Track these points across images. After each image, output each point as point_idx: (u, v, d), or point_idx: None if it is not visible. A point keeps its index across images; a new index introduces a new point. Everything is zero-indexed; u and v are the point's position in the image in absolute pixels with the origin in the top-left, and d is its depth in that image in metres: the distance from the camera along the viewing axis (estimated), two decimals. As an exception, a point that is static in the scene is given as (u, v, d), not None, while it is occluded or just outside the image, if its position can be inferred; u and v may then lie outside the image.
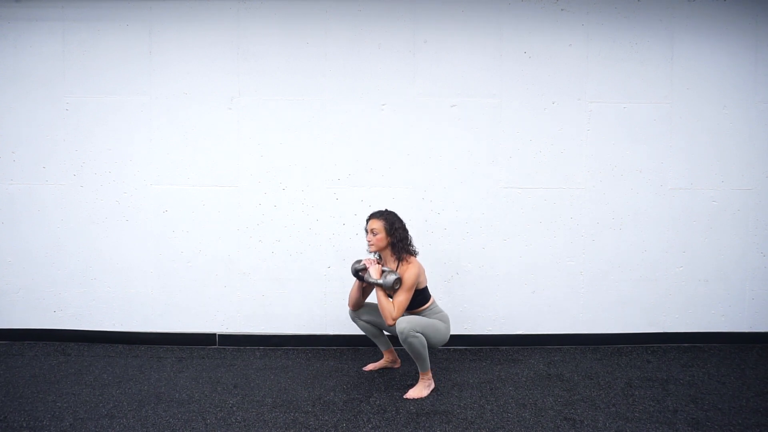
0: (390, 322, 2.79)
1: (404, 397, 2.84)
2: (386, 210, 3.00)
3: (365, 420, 2.60)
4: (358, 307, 3.09)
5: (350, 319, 3.59)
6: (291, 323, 3.64)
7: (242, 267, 3.61)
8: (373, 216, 2.95)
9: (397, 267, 2.90)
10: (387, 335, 3.22)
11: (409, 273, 2.82)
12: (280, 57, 3.53)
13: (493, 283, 3.63)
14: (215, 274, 3.62)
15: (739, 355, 3.50)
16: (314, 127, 3.57)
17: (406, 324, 2.74)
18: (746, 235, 3.65)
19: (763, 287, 3.68)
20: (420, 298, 2.92)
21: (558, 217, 3.61)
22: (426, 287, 2.96)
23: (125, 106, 3.56)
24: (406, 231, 2.95)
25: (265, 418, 2.61)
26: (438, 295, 3.56)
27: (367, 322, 3.12)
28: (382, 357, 3.34)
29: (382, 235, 2.89)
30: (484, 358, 3.44)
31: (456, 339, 3.63)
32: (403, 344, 2.77)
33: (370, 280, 2.86)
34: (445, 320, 2.95)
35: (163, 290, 3.63)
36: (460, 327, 3.64)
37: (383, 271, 2.85)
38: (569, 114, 3.58)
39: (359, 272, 2.96)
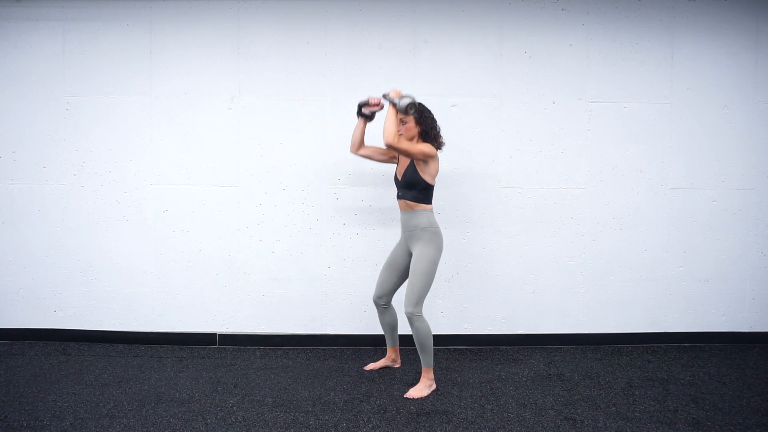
0: (388, 140, 2.77)
1: (404, 396, 2.84)
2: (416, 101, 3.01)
3: (365, 420, 2.60)
4: (357, 148, 3.11)
5: (353, 318, 3.59)
6: (291, 323, 3.64)
7: (242, 267, 3.61)
8: None
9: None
10: (399, 334, 3.22)
11: (426, 145, 2.85)
12: (280, 57, 3.53)
13: (493, 283, 3.63)
14: (215, 274, 3.62)
15: (739, 355, 3.50)
16: (314, 127, 3.57)
17: (410, 307, 2.81)
18: (746, 235, 3.65)
19: (763, 287, 3.68)
20: (423, 194, 2.93)
21: (558, 217, 3.61)
22: (432, 187, 2.96)
23: (125, 106, 3.56)
24: (434, 120, 2.97)
25: (266, 417, 2.61)
26: (438, 295, 3.56)
27: (390, 296, 3.11)
28: (381, 357, 3.34)
29: (411, 123, 2.91)
30: (484, 358, 3.44)
31: (456, 339, 3.63)
32: (410, 327, 2.84)
33: (388, 97, 2.86)
34: (435, 235, 2.92)
35: (163, 290, 3.63)
36: (460, 327, 3.64)
37: (402, 95, 2.84)
38: (569, 114, 3.58)
39: (362, 107, 2.98)
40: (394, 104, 2.84)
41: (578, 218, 3.62)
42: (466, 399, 2.84)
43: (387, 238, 3.56)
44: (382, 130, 2.93)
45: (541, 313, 3.65)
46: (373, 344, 3.58)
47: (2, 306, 3.65)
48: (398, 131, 2.90)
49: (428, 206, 2.96)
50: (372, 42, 3.53)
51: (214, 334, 3.65)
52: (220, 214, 3.60)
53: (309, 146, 3.57)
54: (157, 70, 3.54)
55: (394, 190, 3.57)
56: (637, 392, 2.93)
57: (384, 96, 2.94)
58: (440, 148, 2.98)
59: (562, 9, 3.54)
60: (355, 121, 3.11)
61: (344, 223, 3.59)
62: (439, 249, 2.94)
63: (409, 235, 2.98)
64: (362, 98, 3.06)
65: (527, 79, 3.56)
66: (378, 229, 3.59)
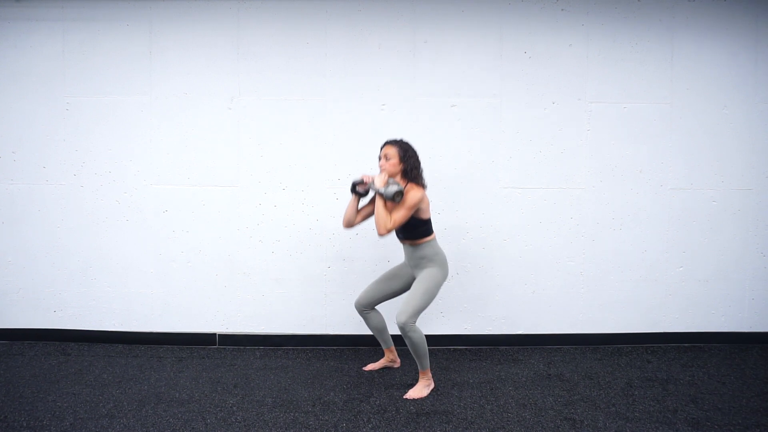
0: (382, 231, 2.78)
1: (404, 397, 2.84)
2: (401, 138, 3.00)
3: (365, 420, 2.60)
4: (350, 225, 3.05)
5: (352, 318, 3.59)
6: (291, 323, 3.64)
7: (242, 267, 3.61)
8: (388, 143, 2.95)
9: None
10: (390, 334, 3.22)
11: (413, 193, 2.82)
12: (280, 57, 3.53)
13: (493, 283, 3.63)
14: (215, 274, 3.62)
15: (739, 355, 3.50)
16: (314, 127, 3.57)
17: (404, 318, 2.76)
18: (746, 235, 3.65)
19: (763, 287, 3.68)
20: (423, 229, 2.91)
21: (558, 217, 3.61)
22: (429, 219, 2.94)
23: (125, 106, 3.56)
24: (418, 160, 2.95)
25: (265, 418, 2.61)
26: (438, 295, 3.55)
27: (374, 321, 3.11)
28: (381, 357, 3.35)
29: (395, 160, 2.90)
30: (484, 358, 3.44)
31: (456, 339, 3.63)
32: (403, 338, 2.79)
33: (374, 187, 2.83)
34: (441, 263, 2.94)
35: (163, 290, 3.63)
36: (460, 327, 3.64)
37: (388, 182, 2.83)
38: (569, 114, 3.58)
39: (356, 186, 2.95)
40: (380, 194, 2.82)
41: (578, 218, 3.62)
42: (465, 399, 2.84)
43: (387, 239, 3.55)
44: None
45: (541, 313, 3.65)
46: (372, 344, 3.58)
47: (2, 306, 3.65)
48: (380, 166, 2.90)
49: (431, 236, 2.95)
50: (372, 42, 3.53)
51: (214, 334, 3.65)
52: (220, 214, 3.60)
53: (309, 146, 3.57)
54: (157, 70, 3.54)
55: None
56: (636, 392, 2.93)
57: (368, 186, 2.88)
58: (425, 187, 2.93)
59: (562, 9, 3.54)
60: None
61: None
62: (444, 274, 2.95)
63: (415, 264, 2.98)
64: (355, 177, 2.97)
65: (527, 79, 3.56)
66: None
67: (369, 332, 3.47)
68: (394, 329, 3.30)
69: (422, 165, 2.99)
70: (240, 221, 3.60)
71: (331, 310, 3.63)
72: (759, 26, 3.57)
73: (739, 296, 3.68)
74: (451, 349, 3.60)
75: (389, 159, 2.90)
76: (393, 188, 2.77)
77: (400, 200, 2.80)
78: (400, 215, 2.80)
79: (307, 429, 2.51)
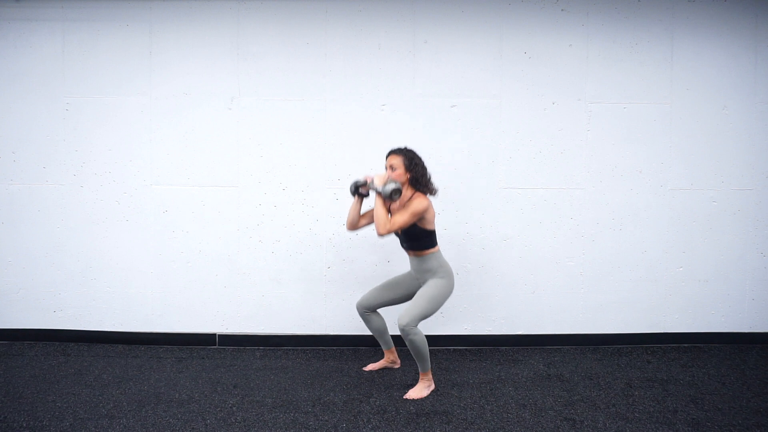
0: (381, 231, 2.76)
1: (404, 397, 2.84)
2: (406, 147, 2.97)
3: (365, 420, 2.60)
4: (354, 227, 3.04)
5: (352, 318, 3.59)
6: (291, 323, 3.64)
7: (242, 267, 3.61)
8: (393, 152, 2.93)
9: (409, 199, 2.89)
10: (390, 335, 3.21)
11: (418, 201, 2.80)
12: (280, 57, 3.53)
13: (493, 283, 3.63)
14: (215, 274, 3.62)
15: (739, 355, 3.50)
16: (314, 127, 3.57)
17: (407, 320, 2.75)
18: (746, 236, 3.65)
19: (763, 287, 3.68)
20: (427, 241, 2.90)
21: (558, 218, 3.61)
22: (434, 231, 2.93)
23: (125, 106, 3.56)
24: (425, 168, 2.92)
25: (265, 418, 2.61)
26: (438, 296, 3.56)
27: (375, 322, 3.10)
28: (381, 357, 3.34)
29: (401, 170, 2.87)
30: (484, 358, 3.44)
31: (456, 339, 3.63)
32: (404, 340, 2.78)
33: (372, 186, 2.82)
34: (447, 275, 2.92)
35: (163, 290, 3.63)
36: (460, 327, 3.64)
37: (387, 181, 2.81)
38: (569, 114, 3.58)
39: (359, 188, 2.93)
40: (378, 193, 2.81)
41: (578, 218, 3.62)
42: (465, 399, 2.84)
43: (388, 240, 3.55)
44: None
45: (541, 314, 3.65)
46: (372, 345, 3.58)
47: (2, 306, 3.65)
48: (387, 216, 2.86)
49: (435, 248, 2.94)
50: (372, 42, 3.53)
51: (213, 335, 3.65)
52: (220, 214, 3.60)
53: (309, 146, 3.57)
54: (157, 71, 3.54)
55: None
56: (636, 393, 2.93)
57: (368, 185, 2.87)
58: (433, 194, 2.92)
59: (562, 9, 3.54)
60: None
61: (344, 223, 3.59)
62: (450, 287, 2.94)
63: (420, 276, 2.98)
64: (358, 179, 2.97)
65: (527, 79, 3.56)
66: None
67: (369, 333, 3.47)
68: (394, 330, 3.30)
69: (430, 173, 2.96)
70: (240, 221, 3.60)
71: (331, 310, 3.63)
72: (759, 26, 3.57)
73: (739, 296, 3.68)
74: (451, 350, 3.60)
75: (395, 169, 2.87)
76: (390, 186, 2.75)
77: (397, 198, 2.78)
78: (402, 218, 2.79)
79: (307, 429, 2.51)
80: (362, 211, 3.03)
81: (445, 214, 3.58)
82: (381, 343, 3.21)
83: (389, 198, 2.77)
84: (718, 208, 3.64)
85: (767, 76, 3.59)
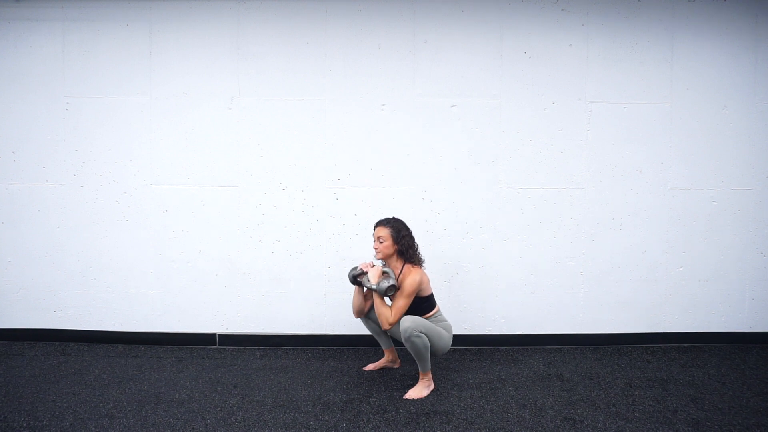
0: (386, 326, 2.80)
1: (404, 397, 2.84)
2: (393, 218, 3.01)
3: (365, 420, 2.60)
4: (362, 313, 3.09)
5: (352, 318, 3.59)
6: (291, 323, 3.64)
7: (242, 267, 3.61)
8: (380, 224, 2.97)
9: (400, 273, 2.91)
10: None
11: (410, 279, 2.83)
12: (280, 57, 3.53)
13: (493, 283, 3.63)
14: (215, 274, 3.62)
15: (739, 355, 3.50)
16: (314, 127, 3.57)
17: (410, 323, 2.75)
18: (746, 235, 3.65)
19: (763, 287, 3.68)
20: (426, 306, 2.92)
21: (558, 217, 3.61)
22: (431, 295, 2.96)
23: (125, 106, 3.56)
24: (412, 239, 2.97)
25: (265, 418, 2.61)
26: (438, 295, 3.55)
27: (374, 321, 3.11)
28: (381, 357, 3.34)
29: (389, 242, 2.91)
30: (484, 358, 3.44)
31: (456, 339, 3.63)
32: (405, 343, 2.78)
33: (366, 284, 2.86)
34: (447, 330, 2.96)
35: (163, 290, 3.63)
36: (460, 327, 3.64)
37: (382, 273, 2.84)
38: (569, 114, 3.58)
39: (357, 278, 2.97)
40: (374, 291, 2.82)
41: (578, 218, 3.62)
42: (465, 399, 2.84)
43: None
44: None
45: (541, 314, 3.65)
46: (372, 344, 3.58)
47: (2, 306, 3.65)
48: (375, 248, 2.92)
49: (435, 310, 2.96)
50: (372, 42, 3.53)
51: (213, 335, 3.65)
52: (220, 214, 3.60)
53: (309, 146, 3.57)
54: (157, 70, 3.54)
55: (395, 190, 3.58)
56: (636, 392, 2.93)
57: (364, 285, 2.88)
58: (421, 264, 2.95)
59: (562, 9, 3.54)
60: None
61: (344, 223, 3.59)
62: (449, 338, 2.94)
63: None
64: (354, 270, 2.97)
65: (527, 79, 3.56)
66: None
67: (369, 332, 3.47)
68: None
69: (417, 244, 3.00)
70: (240, 221, 3.60)
71: (331, 310, 3.63)
72: (759, 26, 3.57)
73: (739, 296, 3.68)
74: (451, 349, 3.60)
75: (383, 241, 2.91)
76: (385, 284, 2.78)
77: (393, 294, 2.82)
78: (402, 304, 2.82)
79: (307, 429, 2.51)
80: (365, 291, 3.05)
81: (445, 214, 3.58)
82: (380, 342, 3.21)
83: (385, 294, 2.80)
84: (718, 208, 3.64)
85: (767, 76, 3.59)
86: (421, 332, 2.76)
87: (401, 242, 2.91)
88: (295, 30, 3.52)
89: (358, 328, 3.55)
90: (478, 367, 3.29)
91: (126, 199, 3.59)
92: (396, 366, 3.27)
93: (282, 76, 3.54)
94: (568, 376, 3.15)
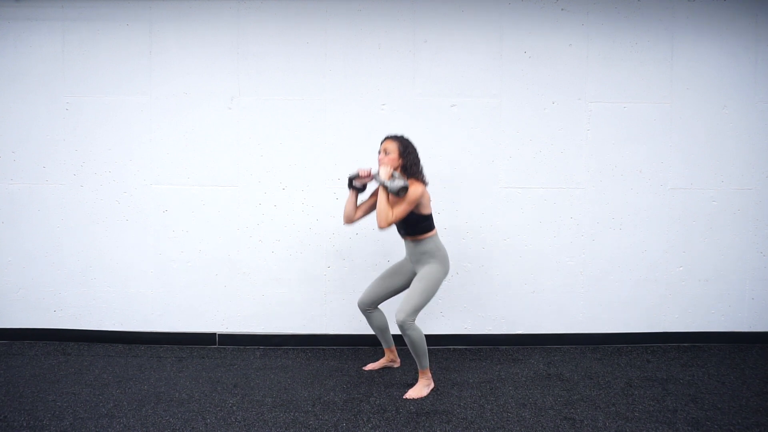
0: (383, 224, 2.77)
1: (404, 397, 2.84)
2: (402, 134, 2.98)
3: (365, 420, 2.60)
4: (350, 220, 3.03)
5: (352, 318, 3.59)
6: (291, 323, 3.64)
7: (242, 267, 3.61)
8: (389, 137, 2.94)
9: None
10: (391, 334, 3.22)
11: (414, 188, 2.80)
12: (280, 57, 3.53)
13: (492, 283, 3.63)
14: (215, 274, 3.62)
15: (739, 355, 3.50)
16: (314, 127, 3.57)
17: (403, 314, 2.76)
18: (746, 235, 3.66)
19: (763, 287, 3.68)
20: (425, 225, 2.90)
21: (558, 217, 3.61)
22: (431, 215, 2.93)
23: (125, 106, 3.56)
24: (418, 158, 2.94)
25: (265, 417, 2.61)
26: (438, 295, 3.56)
27: (376, 317, 3.11)
28: (381, 357, 3.35)
29: (395, 155, 2.88)
30: (484, 358, 3.44)
31: (456, 339, 3.63)
32: (403, 337, 2.80)
33: (378, 179, 2.81)
34: (443, 258, 2.93)
35: (163, 290, 3.63)
36: (460, 327, 3.64)
37: (393, 176, 2.80)
38: (569, 114, 3.58)
39: (353, 180, 2.92)
40: (385, 187, 2.79)
41: (578, 218, 3.62)
42: (465, 399, 2.84)
43: (387, 238, 3.56)
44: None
45: (541, 313, 3.65)
46: (372, 344, 3.58)
47: (2, 306, 3.65)
48: (379, 160, 2.89)
49: (433, 232, 2.94)
50: (372, 42, 3.53)
51: (213, 334, 3.65)
52: (220, 214, 3.60)
53: (309, 146, 3.57)
54: (157, 70, 3.54)
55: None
56: (636, 392, 2.93)
57: (374, 177, 2.86)
58: (425, 184, 2.92)
59: (562, 9, 3.54)
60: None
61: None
62: (445, 271, 2.95)
63: (416, 260, 2.97)
64: (351, 172, 2.95)
65: (527, 79, 3.56)
66: (378, 228, 3.59)
67: (369, 332, 3.47)
68: (395, 329, 3.30)
69: (422, 163, 2.98)
70: (240, 221, 3.60)
71: (331, 310, 3.63)
72: (759, 26, 3.57)
73: (738, 296, 3.68)
74: (451, 349, 3.60)
75: (389, 153, 2.89)
76: (399, 183, 2.74)
77: (404, 195, 2.78)
78: (401, 209, 2.80)
79: (307, 429, 2.51)
80: (357, 202, 3.04)
81: (445, 214, 3.58)
82: (382, 342, 3.21)
83: (395, 194, 2.76)
84: (718, 207, 3.64)
85: (767, 75, 3.59)
86: (414, 322, 2.77)
87: (407, 157, 2.88)
88: (295, 30, 3.53)
89: (358, 328, 3.55)
90: (477, 367, 3.29)
91: (126, 199, 3.59)
92: (396, 365, 3.27)
93: (282, 76, 3.54)
94: (568, 376, 3.15)
